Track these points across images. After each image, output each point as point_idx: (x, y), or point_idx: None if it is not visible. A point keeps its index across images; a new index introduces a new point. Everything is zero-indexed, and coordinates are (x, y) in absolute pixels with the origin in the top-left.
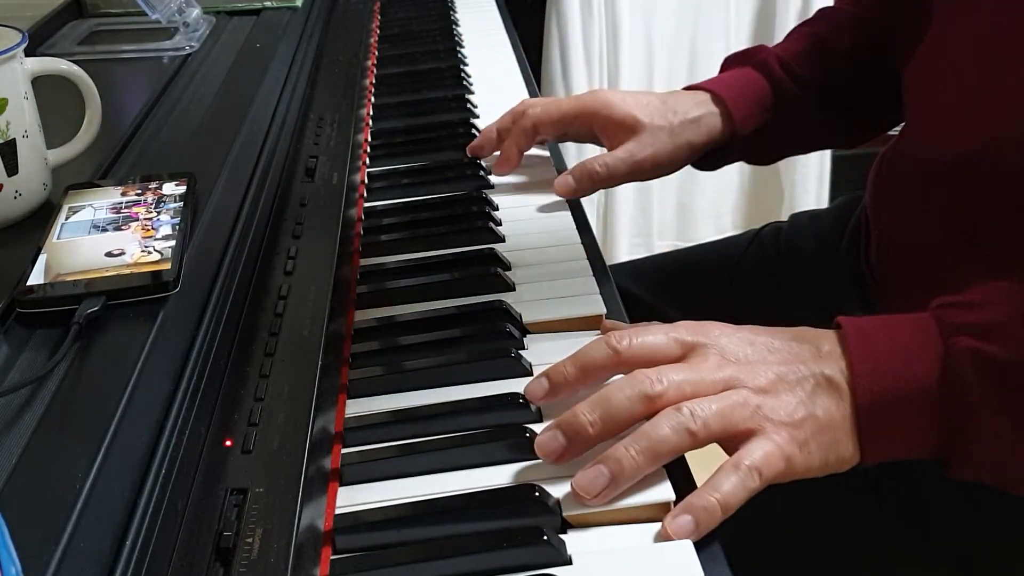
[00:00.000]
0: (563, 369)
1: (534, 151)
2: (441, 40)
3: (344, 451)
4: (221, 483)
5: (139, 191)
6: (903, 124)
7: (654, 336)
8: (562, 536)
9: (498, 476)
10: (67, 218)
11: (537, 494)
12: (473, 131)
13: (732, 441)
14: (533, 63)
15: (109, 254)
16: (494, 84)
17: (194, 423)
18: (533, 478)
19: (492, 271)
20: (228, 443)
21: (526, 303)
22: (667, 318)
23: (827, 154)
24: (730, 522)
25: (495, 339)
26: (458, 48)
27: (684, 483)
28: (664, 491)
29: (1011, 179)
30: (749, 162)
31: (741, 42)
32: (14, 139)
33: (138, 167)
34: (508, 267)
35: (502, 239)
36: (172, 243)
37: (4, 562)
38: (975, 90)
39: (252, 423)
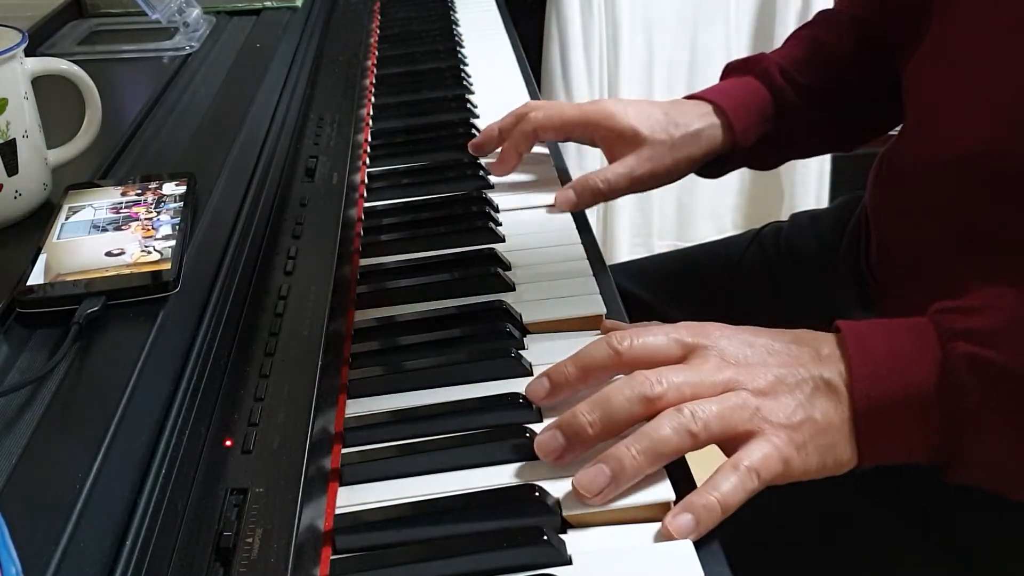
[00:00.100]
0: (564, 369)
1: (534, 150)
2: (441, 40)
3: (344, 451)
4: (221, 483)
5: (139, 191)
6: (903, 124)
7: (655, 337)
8: (562, 536)
9: (498, 476)
10: (67, 218)
11: (537, 494)
12: (473, 131)
13: (731, 442)
14: (533, 63)
15: (109, 254)
16: (494, 84)
17: (194, 423)
18: (533, 478)
19: (492, 271)
20: (228, 443)
21: (526, 303)
22: (667, 318)
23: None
24: (730, 522)
25: (495, 339)
26: (458, 48)
27: (684, 483)
28: (664, 491)
29: (1011, 179)
30: (751, 168)
31: (741, 42)
32: (14, 139)
33: (138, 167)
34: (508, 267)
35: (502, 239)
36: (172, 243)
37: (4, 562)
38: (975, 90)
39: (252, 423)
